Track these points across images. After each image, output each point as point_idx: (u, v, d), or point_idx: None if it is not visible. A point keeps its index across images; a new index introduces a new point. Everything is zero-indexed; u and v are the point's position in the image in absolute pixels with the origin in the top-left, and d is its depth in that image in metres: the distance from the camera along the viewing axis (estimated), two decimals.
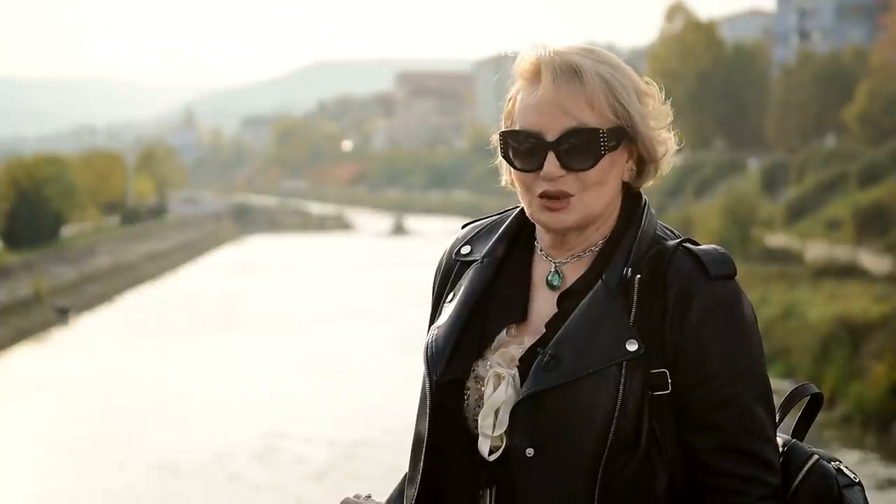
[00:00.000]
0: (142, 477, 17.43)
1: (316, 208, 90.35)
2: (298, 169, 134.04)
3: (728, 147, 56.32)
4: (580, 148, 2.06)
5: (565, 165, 2.07)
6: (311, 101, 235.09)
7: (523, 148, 2.09)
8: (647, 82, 2.14)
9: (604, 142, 2.07)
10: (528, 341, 2.10)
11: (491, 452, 2.07)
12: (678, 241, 2.10)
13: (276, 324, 32.53)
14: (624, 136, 2.09)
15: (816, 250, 31.89)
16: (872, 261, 29.06)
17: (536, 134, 2.07)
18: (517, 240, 2.21)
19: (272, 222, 78.89)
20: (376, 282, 42.11)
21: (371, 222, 79.75)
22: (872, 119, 44.47)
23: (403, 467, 2.23)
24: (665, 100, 2.15)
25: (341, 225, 78.75)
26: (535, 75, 2.09)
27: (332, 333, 30.75)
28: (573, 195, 2.08)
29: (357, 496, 2.20)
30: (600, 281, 2.07)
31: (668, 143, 2.15)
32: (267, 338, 30.23)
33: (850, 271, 28.80)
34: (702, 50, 57.18)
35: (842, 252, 30.46)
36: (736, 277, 2.06)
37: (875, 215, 30.71)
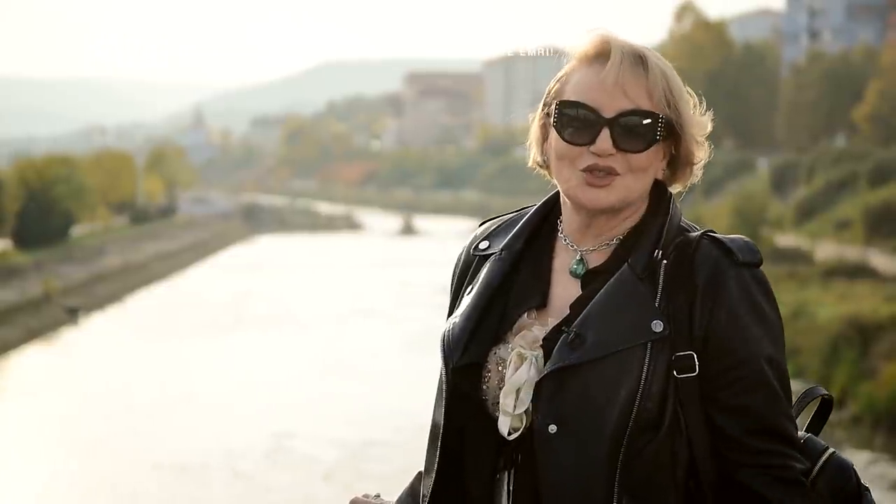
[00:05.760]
0: (151, 476, 17.45)
1: (325, 208, 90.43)
2: (307, 169, 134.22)
3: (737, 147, 56.25)
4: (636, 129, 2.10)
5: (618, 144, 2.10)
6: (320, 101, 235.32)
7: (577, 121, 2.12)
8: (688, 92, 2.19)
9: (660, 128, 2.12)
10: (552, 323, 2.12)
11: (510, 433, 2.07)
12: (702, 231, 2.14)
13: (285, 323, 32.56)
14: (672, 131, 2.14)
15: (826, 250, 31.85)
16: (882, 261, 29.01)
17: (594, 109, 2.11)
18: (537, 234, 2.22)
19: (281, 222, 78.97)
20: (385, 282, 42.12)
21: (380, 222, 79.79)
22: (883, 119, 44.41)
23: (413, 467, 2.23)
24: (703, 109, 2.20)
25: (350, 225, 78.82)
26: (599, 56, 2.13)
27: (341, 333, 30.77)
28: (619, 175, 2.11)
29: (366, 496, 2.20)
30: (626, 264, 2.10)
31: (705, 151, 2.20)
32: (276, 337, 30.25)
33: (860, 271, 28.76)
34: (711, 49, 57.13)
35: (852, 252, 30.42)
36: (761, 266, 2.11)
37: (885, 215, 30.65)
